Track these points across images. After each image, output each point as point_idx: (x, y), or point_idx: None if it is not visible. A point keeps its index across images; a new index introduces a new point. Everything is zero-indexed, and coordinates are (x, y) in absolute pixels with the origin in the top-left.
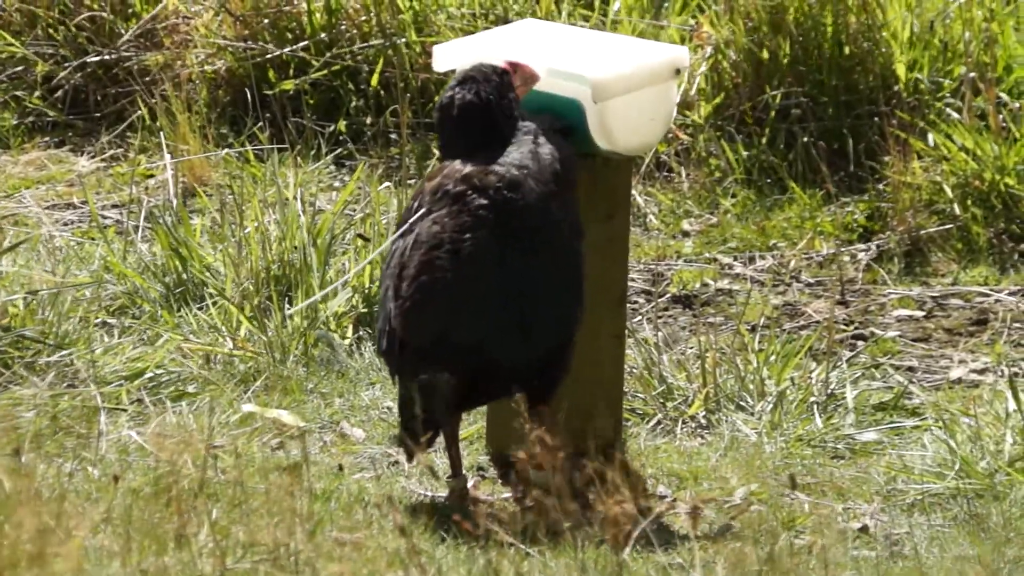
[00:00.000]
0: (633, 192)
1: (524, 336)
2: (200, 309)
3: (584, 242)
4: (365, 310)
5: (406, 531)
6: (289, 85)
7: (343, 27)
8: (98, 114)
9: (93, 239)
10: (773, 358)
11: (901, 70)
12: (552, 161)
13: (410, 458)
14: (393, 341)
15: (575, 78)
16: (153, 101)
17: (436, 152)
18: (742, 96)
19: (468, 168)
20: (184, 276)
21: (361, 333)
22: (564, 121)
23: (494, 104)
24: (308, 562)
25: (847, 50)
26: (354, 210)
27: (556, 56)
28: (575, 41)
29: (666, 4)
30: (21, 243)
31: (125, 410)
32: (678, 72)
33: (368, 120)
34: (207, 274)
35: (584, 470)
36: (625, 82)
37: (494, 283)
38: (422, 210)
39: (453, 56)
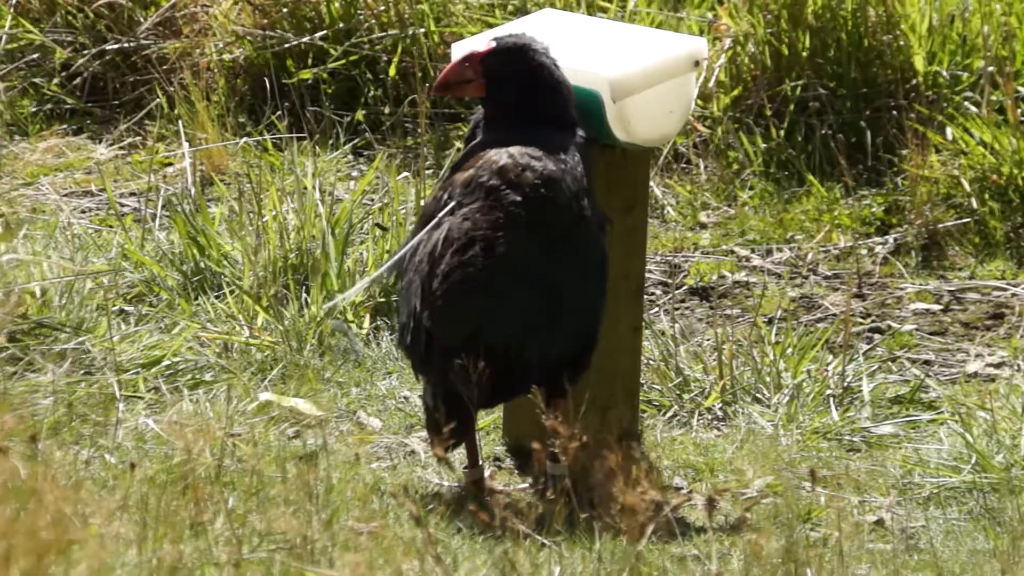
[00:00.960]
0: (651, 184)
1: (553, 334)
2: (217, 298)
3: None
4: (383, 300)
5: (422, 521)
6: (307, 74)
7: (361, 16)
8: (116, 102)
9: (111, 227)
10: (790, 351)
11: (920, 64)
12: (582, 152)
13: (438, 458)
14: (419, 337)
15: (594, 77)
16: (171, 89)
17: (455, 142)
18: (760, 88)
19: (504, 160)
20: (201, 265)
21: (378, 323)
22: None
23: (558, 77)
24: (324, 551)
25: (866, 43)
26: (372, 199)
27: (576, 50)
28: (595, 33)
29: None
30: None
31: (142, 398)
32: (697, 64)
33: (386, 110)
34: (224, 263)
35: (601, 461)
36: (644, 78)
37: (526, 283)
38: (452, 203)
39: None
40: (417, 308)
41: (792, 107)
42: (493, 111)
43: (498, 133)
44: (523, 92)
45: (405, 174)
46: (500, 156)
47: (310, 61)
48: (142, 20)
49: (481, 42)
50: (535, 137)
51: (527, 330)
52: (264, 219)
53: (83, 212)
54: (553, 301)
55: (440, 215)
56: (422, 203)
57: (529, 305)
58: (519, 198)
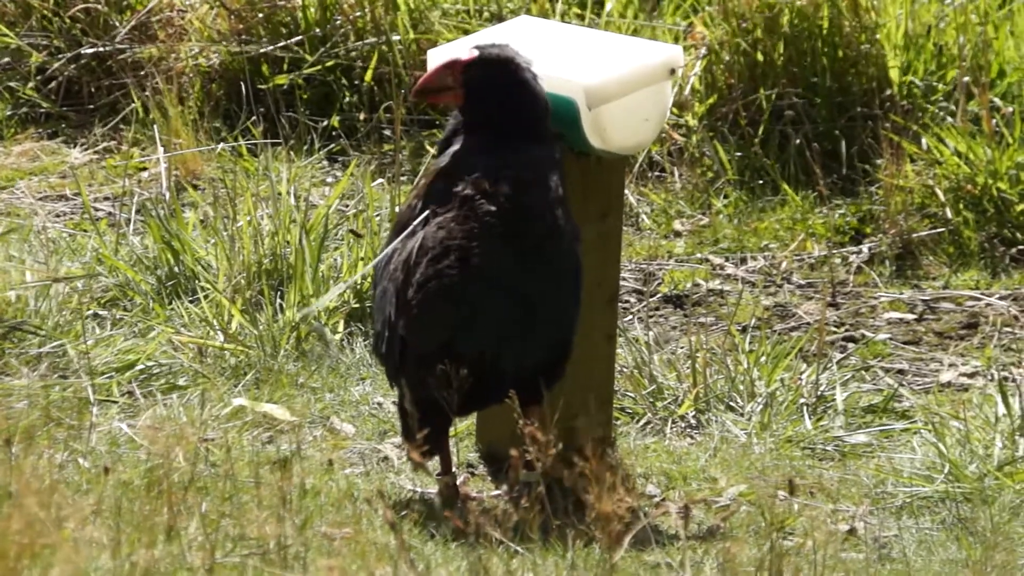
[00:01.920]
0: (625, 191)
1: (527, 344)
2: (192, 302)
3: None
4: (357, 305)
5: (396, 527)
6: (283, 80)
7: (338, 22)
8: (91, 106)
9: (85, 231)
10: (763, 359)
11: (895, 73)
12: (557, 164)
13: (415, 465)
14: (394, 345)
15: (569, 84)
16: (147, 94)
17: (430, 149)
18: (735, 97)
19: (479, 170)
20: (176, 269)
21: (352, 328)
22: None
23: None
24: (298, 556)
25: (841, 53)
26: (347, 206)
27: (551, 57)
28: (571, 41)
29: (660, 4)
30: (10, 232)
31: (116, 402)
32: (673, 72)
33: (361, 116)
34: (199, 267)
35: (575, 469)
36: (620, 86)
37: (501, 292)
38: (426, 212)
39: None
40: (392, 316)
41: (767, 116)
42: (470, 120)
43: (474, 142)
44: (502, 104)
45: (380, 181)
46: (475, 166)
47: (286, 67)
48: (118, 24)
49: (460, 49)
50: (511, 148)
51: (501, 340)
52: (239, 224)
53: (58, 216)
54: (527, 311)
55: (414, 223)
56: (397, 210)
57: (504, 315)
58: (494, 208)
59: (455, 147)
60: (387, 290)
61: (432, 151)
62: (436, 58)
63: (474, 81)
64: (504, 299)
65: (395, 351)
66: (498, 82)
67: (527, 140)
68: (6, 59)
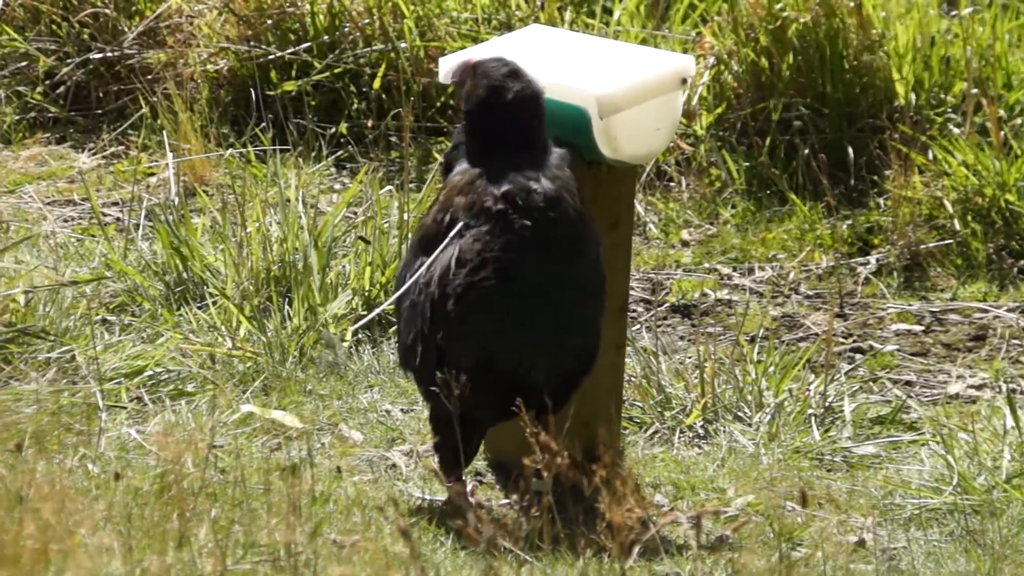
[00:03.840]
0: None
1: (559, 353)
2: (200, 308)
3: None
4: (364, 312)
5: (408, 535)
6: (291, 86)
7: (346, 29)
8: (100, 111)
9: (94, 236)
10: (771, 369)
11: (902, 85)
12: (572, 173)
13: (446, 478)
14: (428, 359)
15: (581, 94)
16: (155, 99)
17: (438, 156)
18: (743, 107)
19: (505, 185)
20: (184, 275)
21: (360, 336)
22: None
23: (543, 104)
24: (308, 563)
25: (849, 63)
26: (355, 212)
27: (563, 66)
28: (582, 50)
29: (669, 13)
30: (24, 240)
31: (124, 408)
32: (684, 82)
33: (369, 123)
34: (207, 273)
35: (586, 478)
36: (631, 95)
37: (536, 303)
38: (459, 224)
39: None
40: (426, 330)
41: (775, 126)
42: (475, 131)
43: (485, 157)
44: (506, 118)
45: (389, 187)
46: (501, 182)
47: (294, 73)
48: (127, 30)
49: (472, 54)
50: (526, 160)
51: (536, 350)
52: (247, 231)
53: (66, 221)
54: (559, 322)
55: (450, 236)
56: (406, 218)
57: (537, 326)
58: (528, 222)
59: (466, 163)
60: (417, 304)
61: (439, 159)
62: (448, 65)
63: (471, 99)
64: (538, 310)
65: (431, 364)
66: (491, 101)
67: (533, 149)
68: (15, 64)
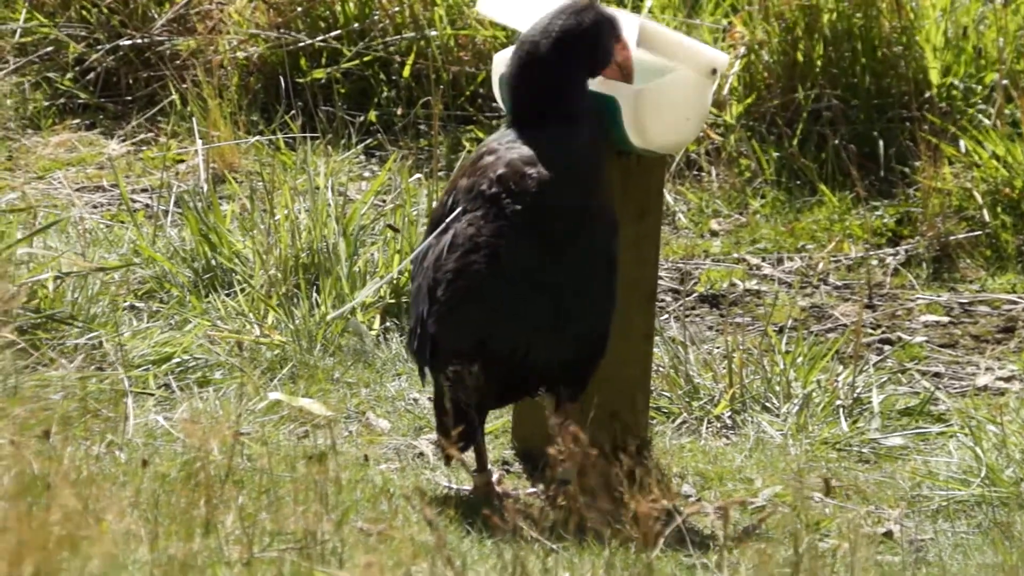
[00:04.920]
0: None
1: (558, 337)
2: (228, 296)
3: (619, 238)
4: (392, 300)
5: (434, 524)
6: (321, 74)
7: (376, 17)
8: (129, 98)
9: (123, 222)
10: (800, 360)
11: (934, 75)
12: (594, 153)
13: (447, 460)
14: (425, 342)
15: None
16: (184, 86)
17: (467, 145)
18: (774, 97)
19: (501, 168)
20: (213, 262)
21: (388, 324)
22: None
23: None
24: (335, 551)
25: (880, 54)
26: (384, 200)
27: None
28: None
29: (700, 2)
30: (53, 224)
31: (152, 395)
32: (715, 72)
33: (399, 111)
34: (236, 261)
35: (614, 468)
36: (662, 84)
37: (531, 287)
38: (458, 209)
39: (497, 3)
40: (424, 314)
41: (805, 116)
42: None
43: (506, 132)
44: (527, 89)
45: (418, 176)
46: (498, 164)
47: (324, 61)
48: (156, 16)
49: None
50: (542, 137)
51: (532, 335)
52: (276, 218)
53: (95, 207)
54: (557, 306)
55: (447, 220)
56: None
57: (533, 310)
58: (519, 206)
59: (488, 138)
60: (420, 287)
61: (470, 148)
62: (499, 63)
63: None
64: (534, 294)
65: (426, 348)
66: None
67: (561, 122)
68: (45, 50)
